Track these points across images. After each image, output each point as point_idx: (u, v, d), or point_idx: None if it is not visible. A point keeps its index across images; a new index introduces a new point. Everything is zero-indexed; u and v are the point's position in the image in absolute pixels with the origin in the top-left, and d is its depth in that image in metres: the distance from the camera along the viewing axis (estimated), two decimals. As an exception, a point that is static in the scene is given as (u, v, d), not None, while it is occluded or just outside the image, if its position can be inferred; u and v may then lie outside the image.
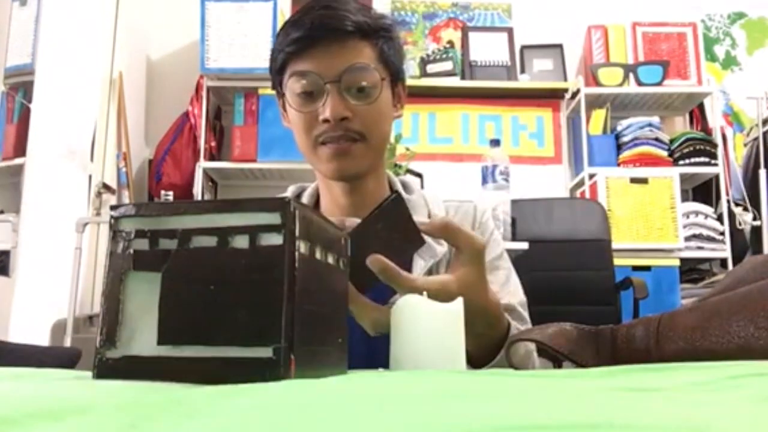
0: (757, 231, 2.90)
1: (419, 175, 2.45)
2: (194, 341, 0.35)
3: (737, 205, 2.90)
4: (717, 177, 2.88)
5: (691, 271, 2.91)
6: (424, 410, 0.21)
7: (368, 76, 0.88)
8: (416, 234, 0.63)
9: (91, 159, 2.59)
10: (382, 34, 0.91)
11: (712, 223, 2.81)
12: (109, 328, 0.38)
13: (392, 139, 2.14)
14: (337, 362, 0.41)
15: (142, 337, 0.37)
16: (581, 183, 2.91)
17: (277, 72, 0.94)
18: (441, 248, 0.90)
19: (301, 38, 0.89)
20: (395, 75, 0.95)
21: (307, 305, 0.37)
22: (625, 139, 2.91)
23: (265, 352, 0.34)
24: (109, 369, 0.37)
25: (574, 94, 3.02)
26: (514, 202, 2.05)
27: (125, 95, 2.79)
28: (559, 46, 3.20)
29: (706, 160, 2.86)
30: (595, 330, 0.55)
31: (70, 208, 2.42)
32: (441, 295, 0.59)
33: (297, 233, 0.36)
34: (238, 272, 0.36)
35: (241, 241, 0.36)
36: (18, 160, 2.55)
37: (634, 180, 2.77)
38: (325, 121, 0.86)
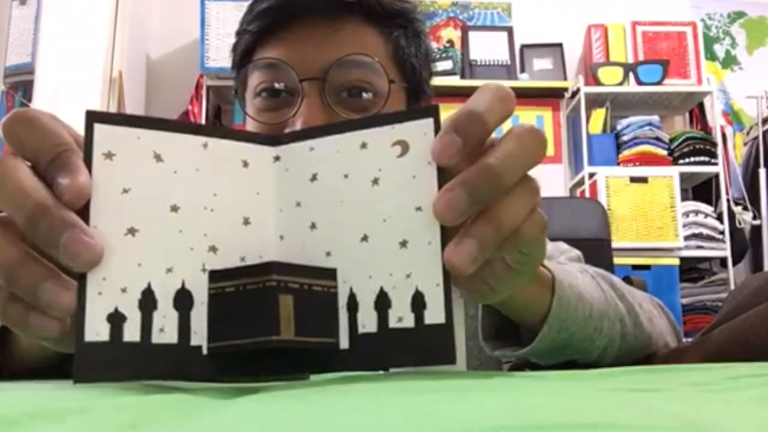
0: (756, 230, 2.90)
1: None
2: None
3: (737, 204, 2.90)
4: (717, 176, 2.88)
5: (691, 270, 2.91)
6: (423, 410, 0.21)
7: (369, 76, 0.58)
8: None
9: (91, 158, 2.59)
10: (399, 22, 0.62)
11: (712, 222, 2.80)
12: None
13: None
14: None
15: None
16: (581, 182, 2.91)
17: (239, 63, 0.64)
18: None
19: (272, 10, 0.59)
20: (415, 86, 0.64)
21: None
22: (624, 138, 2.91)
23: None
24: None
25: (574, 94, 3.01)
26: (514, 202, 2.05)
27: (125, 94, 2.79)
28: (559, 46, 3.19)
29: (706, 159, 2.86)
30: None
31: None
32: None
33: None
34: None
35: None
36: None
37: (633, 179, 2.77)
38: None
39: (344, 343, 0.31)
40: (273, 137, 0.34)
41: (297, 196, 0.33)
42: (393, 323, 0.30)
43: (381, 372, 0.32)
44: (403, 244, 0.31)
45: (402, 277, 0.31)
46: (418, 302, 0.30)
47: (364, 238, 0.32)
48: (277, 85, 0.59)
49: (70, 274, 0.29)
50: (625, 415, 0.19)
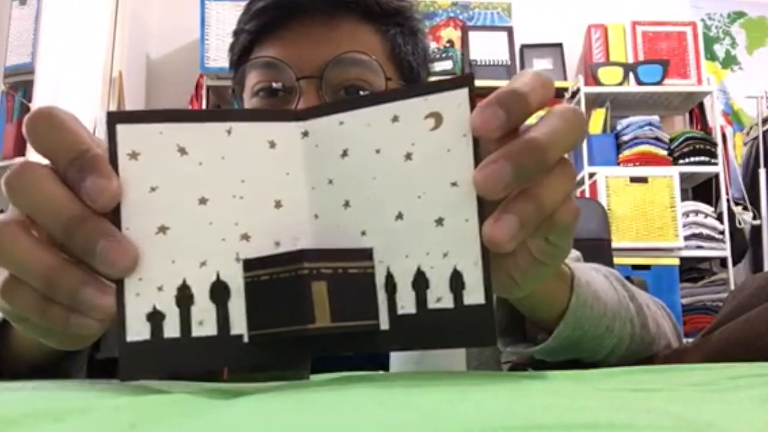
0: (756, 230, 2.90)
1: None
2: None
3: (737, 204, 2.90)
4: (717, 176, 2.88)
5: (691, 270, 2.91)
6: (424, 410, 0.21)
7: (366, 74, 0.58)
8: None
9: (91, 158, 2.58)
10: (396, 21, 0.62)
11: (712, 222, 2.80)
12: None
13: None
14: None
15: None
16: (581, 182, 2.91)
17: (237, 62, 0.64)
18: None
19: (268, 9, 0.60)
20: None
21: None
22: (624, 138, 2.91)
23: None
24: (96, 369, 0.39)
25: (574, 94, 3.01)
26: (514, 202, 2.05)
27: (125, 94, 2.79)
28: (559, 46, 3.19)
29: (706, 159, 2.86)
30: None
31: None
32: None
33: None
34: None
35: None
36: (18, 160, 2.55)
37: (633, 179, 2.76)
38: None
39: (384, 324, 0.30)
40: (297, 112, 0.33)
41: (328, 174, 0.32)
42: (432, 304, 0.30)
43: (381, 372, 0.32)
44: (439, 221, 0.30)
45: (439, 256, 0.30)
46: (457, 282, 0.29)
47: (399, 216, 0.30)
48: (274, 85, 0.59)
49: (105, 276, 0.29)
50: (625, 415, 0.19)
